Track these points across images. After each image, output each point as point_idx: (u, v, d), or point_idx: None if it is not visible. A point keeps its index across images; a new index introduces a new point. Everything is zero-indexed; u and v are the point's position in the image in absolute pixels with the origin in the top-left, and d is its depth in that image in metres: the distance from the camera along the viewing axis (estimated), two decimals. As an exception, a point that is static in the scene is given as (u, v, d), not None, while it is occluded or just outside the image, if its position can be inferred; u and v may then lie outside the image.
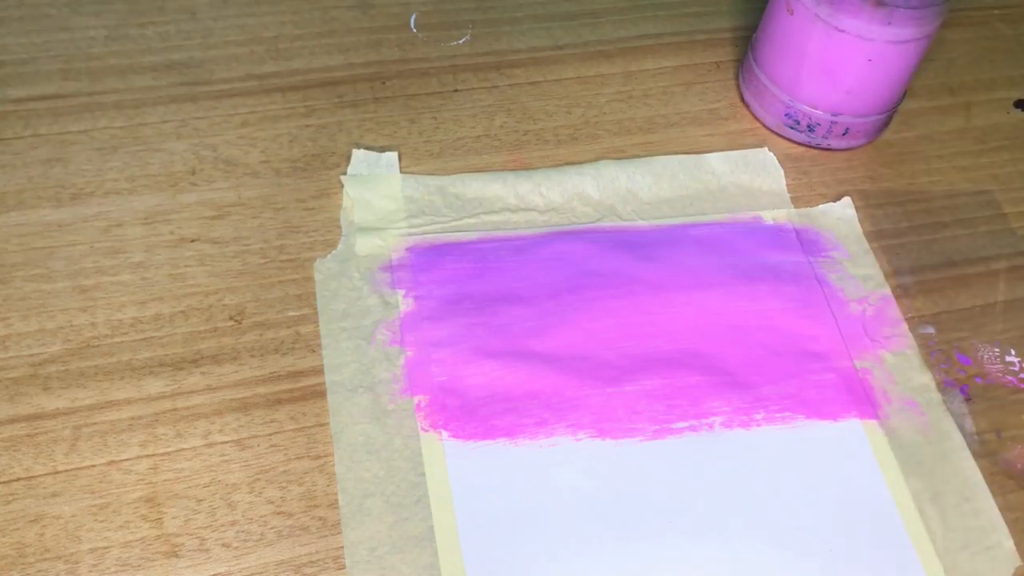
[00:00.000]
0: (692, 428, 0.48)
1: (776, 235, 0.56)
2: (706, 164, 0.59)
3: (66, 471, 0.44)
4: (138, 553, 0.43)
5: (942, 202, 0.59)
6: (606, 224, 0.56)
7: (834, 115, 0.59)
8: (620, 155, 0.59)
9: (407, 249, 0.53)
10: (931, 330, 0.54)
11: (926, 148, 0.62)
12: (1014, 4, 0.72)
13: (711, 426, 0.48)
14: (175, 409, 0.47)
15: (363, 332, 0.50)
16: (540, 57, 0.64)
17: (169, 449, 0.46)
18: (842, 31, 0.55)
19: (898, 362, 0.52)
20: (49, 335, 0.48)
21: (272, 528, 0.44)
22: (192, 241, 0.52)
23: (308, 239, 0.53)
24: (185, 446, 0.46)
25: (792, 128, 0.60)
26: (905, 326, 0.53)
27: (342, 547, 0.44)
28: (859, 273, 0.55)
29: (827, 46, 0.56)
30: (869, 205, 0.59)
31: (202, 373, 0.48)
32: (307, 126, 0.58)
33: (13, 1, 0.61)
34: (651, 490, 0.46)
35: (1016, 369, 0.52)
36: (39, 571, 0.42)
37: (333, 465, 0.46)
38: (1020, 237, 0.58)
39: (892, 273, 0.56)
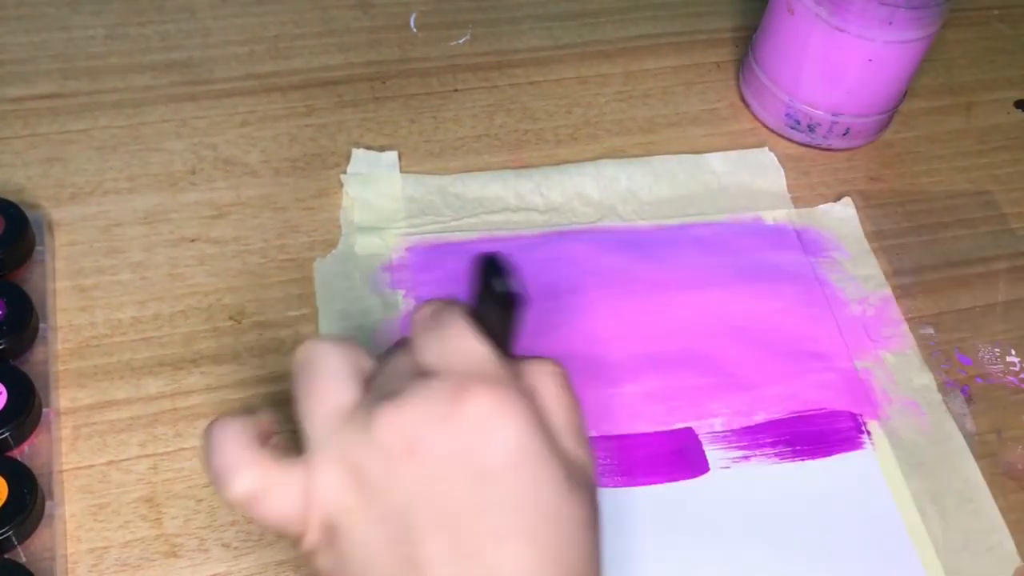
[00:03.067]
0: (692, 429, 0.48)
1: (776, 235, 0.56)
2: (706, 164, 0.59)
3: (65, 471, 0.44)
4: (137, 553, 0.43)
5: (942, 202, 0.59)
6: (606, 224, 0.56)
7: (835, 115, 0.59)
8: (620, 155, 0.59)
9: (407, 249, 0.53)
10: (931, 330, 0.53)
11: (926, 148, 0.62)
12: (1014, 4, 0.72)
13: (711, 427, 0.48)
14: (175, 409, 0.47)
15: (363, 332, 0.50)
16: (540, 57, 0.64)
17: (169, 449, 0.45)
18: (843, 31, 0.55)
19: (899, 362, 0.52)
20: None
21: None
22: (192, 241, 0.52)
23: (308, 239, 0.53)
24: (185, 446, 0.46)
25: (792, 128, 0.60)
26: (905, 326, 0.53)
27: (342, 547, 0.43)
28: (859, 273, 0.55)
29: (828, 46, 0.56)
30: (869, 205, 0.58)
31: (202, 373, 0.48)
32: (307, 126, 0.58)
33: (13, 0, 0.61)
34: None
35: (1017, 369, 0.52)
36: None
37: (333, 465, 0.46)
38: (1020, 237, 0.58)
39: (892, 273, 0.56)
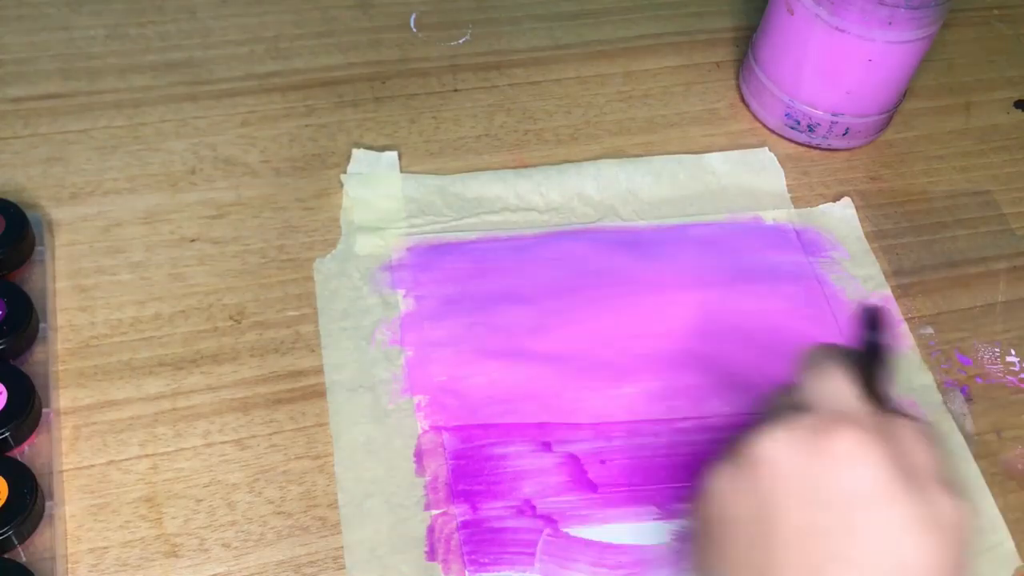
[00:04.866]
0: (693, 428, 0.48)
1: (776, 235, 0.56)
2: (706, 164, 0.59)
3: (66, 471, 0.44)
4: (138, 553, 0.43)
5: (942, 202, 0.59)
6: (606, 224, 0.56)
7: (834, 115, 0.59)
8: (620, 155, 0.59)
9: (407, 249, 0.53)
10: (931, 330, 0.53)
11: (926, 148, 0.62)
12: (1014, 4, 0.72)
13: (712, 427, 0.48)
14: (175, 409, 0.47)
15: (363, 332, 0.50)
16: (540, 57, 0.64)
17: (169, 449, 0.45)
18: (843, 31, 0.55)
19: (898, 363, 0.52)
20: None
21: (272, 528, 0.44)
22: (192, 241, 0.52)
23: (308, 239, 0.53)
24: (185, 446, 0.46)
25: (792, 128, 0.60)
26: (905, 326, 0.53)
27: (342, 547, 0.43)
28: (859, 273, 0.55)
29: (827, 46, 0.56)
30: (869, 205, 0.58)
31: (202, 373, 0.48)
32: (307, 126, 0.58)
33: (13, 0, 0.61)
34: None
35: (1016, 369, 0.52)
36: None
37: (333, 465, 0.46)
38: (1020, 237, 0.58)
39: (892, 273, 0.56)
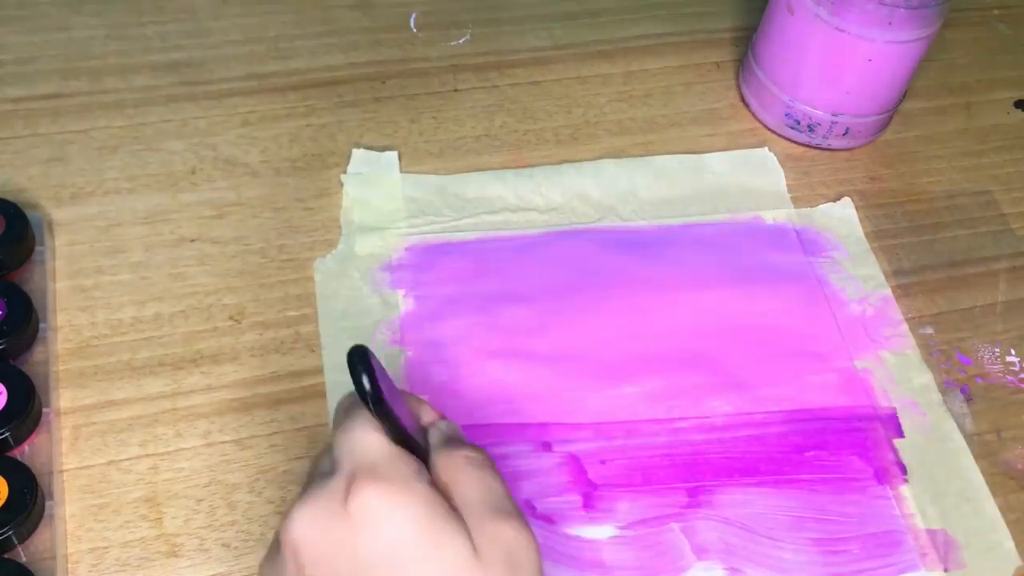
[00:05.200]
0: (693, 428, 0.48)
1: (776, 235, 0.56)
2: (706, 164, 0.59)
3: (66, 471, 0.44)
4: (138, 553, 0.43)
5: (942, 202, 0.59)
6: (606, 224, 0.56)
7: (834, 115, 0.59)
8: (620, 155, 0.59)
9: (407, 249, 0.53)
10: (931, 330, 0.53)
11: (926, 148, 0.62)
12: (1014, 4, 0.72)
13: (712, 427, 0.48)
14: (175, 409, 0.47)
15: (363, 332, 0.50)
16: (540, 57, 0.64)
17: (169, 449, 0.45)
18: (843, 31, 0.55)
19: (898, 362, 0.52)
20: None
21: (272, 528, 0.44)
22: (192, 241, 0.52)
23: (308, 239, 0.53)
24: (185, 446, 0.46)
25: (792, 128, 0.60)
26: (905, 326, 0.53)
27: (342, 547, 0.43)
28: (859, 273, 0.55)
29: (827, 46, 0.56)
30: (869, 205, 0.59)
31: (202, 373, 0.48)
32: (307, 126, 0.58)
33: (13, 0, 0.61)
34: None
35: (1016, 369, 0.52)
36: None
37: (333, 465, 0.46)
38: (1020, 237, 0.58)
39: (892, 273, 0.56)
